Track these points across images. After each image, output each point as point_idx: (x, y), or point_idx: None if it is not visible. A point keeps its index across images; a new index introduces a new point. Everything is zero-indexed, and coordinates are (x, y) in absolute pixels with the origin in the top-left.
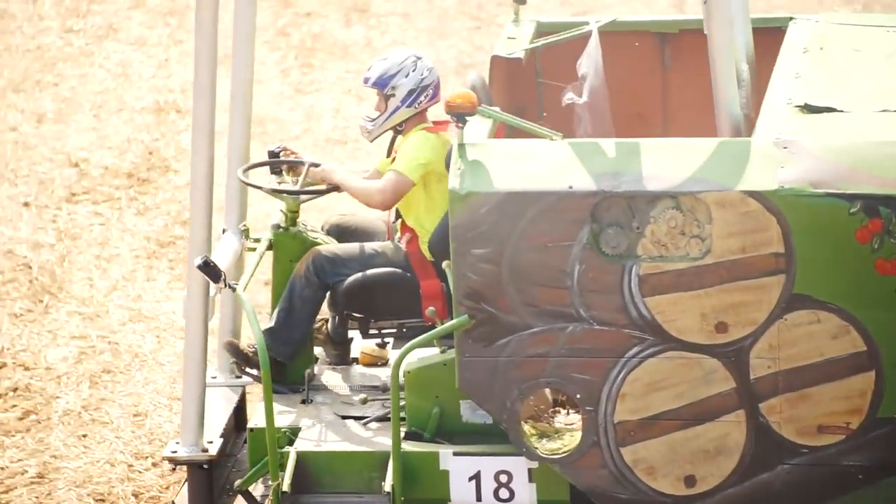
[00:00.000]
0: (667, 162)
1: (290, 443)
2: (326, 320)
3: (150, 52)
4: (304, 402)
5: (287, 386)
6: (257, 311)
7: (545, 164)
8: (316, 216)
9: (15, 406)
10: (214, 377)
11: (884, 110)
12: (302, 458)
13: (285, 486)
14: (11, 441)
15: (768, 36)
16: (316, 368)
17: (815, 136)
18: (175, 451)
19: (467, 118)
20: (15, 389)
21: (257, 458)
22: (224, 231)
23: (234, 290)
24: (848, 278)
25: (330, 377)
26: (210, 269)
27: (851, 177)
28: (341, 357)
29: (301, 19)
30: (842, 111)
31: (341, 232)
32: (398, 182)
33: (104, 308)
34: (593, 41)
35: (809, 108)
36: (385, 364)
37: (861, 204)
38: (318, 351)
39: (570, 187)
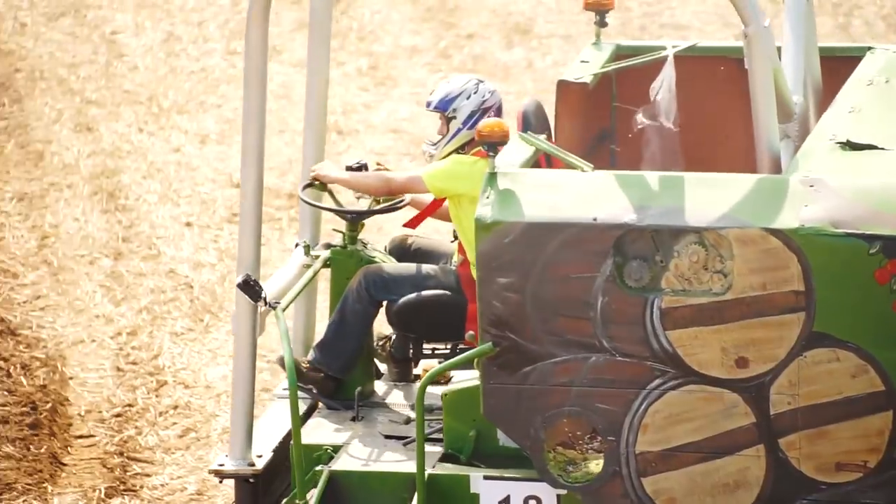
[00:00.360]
0: (693, 197)
1: (330, 461)
2: (389, 337)
3: None
4: (354, 419)
5: (342, 402)
6: None
7: (572, 196)
8: (378, 236)
9: (175, 423)
10: (286, 388)
11: None
12: (335, 476)
13: None
14: (171, 458)
15: (846, 65)
16: (378, 385)
17: (842, 175)
18: (222, 465)
19: (499, 147)
20: (175, 407)
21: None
22: (297, 245)
23: (274, 308)
24: (867, 318)
25: (390, 394)
26: (249, 288)
27: (873, 217)
28: (402, 374)
29: (462, 41)
30: (883, 149)
31: (403, 252)
32: (412, 180)
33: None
34: (668, 66)
35: (851, 146)
36: (447, 382)
37: (880, 245)
38: (383, 368)
39: (595, 219)
